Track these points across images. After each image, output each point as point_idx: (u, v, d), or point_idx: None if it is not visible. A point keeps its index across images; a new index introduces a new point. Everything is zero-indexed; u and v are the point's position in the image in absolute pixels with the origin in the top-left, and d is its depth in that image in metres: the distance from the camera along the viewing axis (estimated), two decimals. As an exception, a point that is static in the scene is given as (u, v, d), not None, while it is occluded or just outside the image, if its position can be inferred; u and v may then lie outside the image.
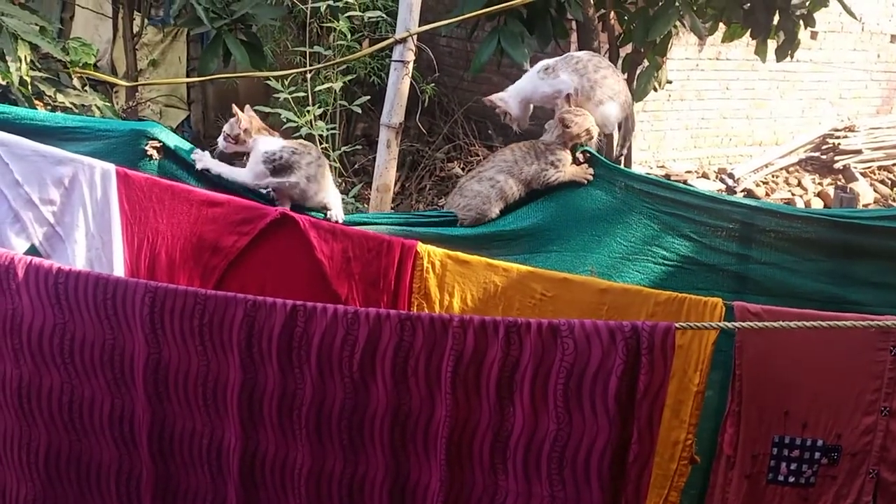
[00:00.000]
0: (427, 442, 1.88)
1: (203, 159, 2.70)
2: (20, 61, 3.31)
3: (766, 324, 1.78)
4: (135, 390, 1.95)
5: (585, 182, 2.76)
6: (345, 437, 1.89)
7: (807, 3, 5.42)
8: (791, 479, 2.40)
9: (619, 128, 3.10)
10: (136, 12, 6.73)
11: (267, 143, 2.68)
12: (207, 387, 1.93)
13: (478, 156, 7.89)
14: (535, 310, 2.53)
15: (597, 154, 2.84)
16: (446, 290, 2.59)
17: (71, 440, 2.03)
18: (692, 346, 2.39)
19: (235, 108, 2.73)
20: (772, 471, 2.40)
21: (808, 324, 1.73)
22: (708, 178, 8.83)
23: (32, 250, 2.56)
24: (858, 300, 2.63)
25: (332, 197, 2.74)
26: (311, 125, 3.62)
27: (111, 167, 2.55)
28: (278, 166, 2.64)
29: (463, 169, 7.71)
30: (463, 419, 1.83)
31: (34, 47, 3.51)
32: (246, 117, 2.70)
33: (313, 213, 2.68)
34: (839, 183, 8.83)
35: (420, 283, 2.58)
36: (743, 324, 1.84)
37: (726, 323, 1.82)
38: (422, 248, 2.58)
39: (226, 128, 2.72)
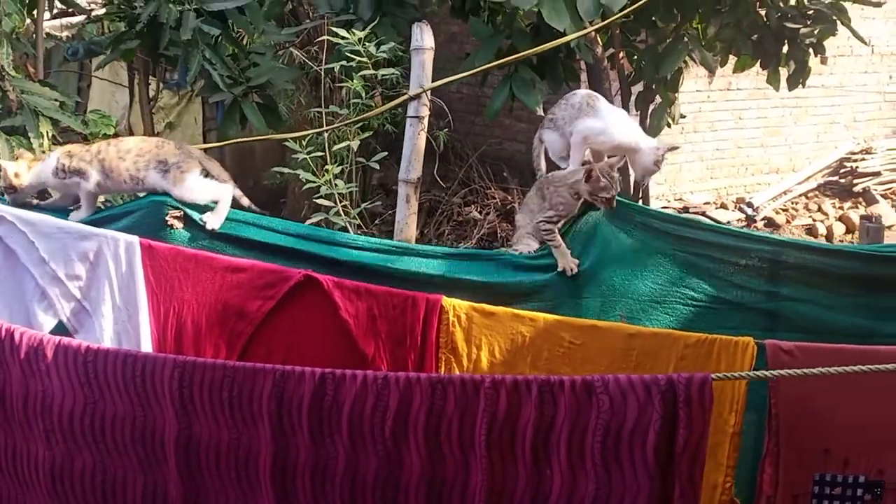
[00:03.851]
0: (464, 509, 1.83)
1: (210, 220, 2.69)
2: (42, 137, 3.38)
3: (804, 371, 1.74)
4: (167, 467, 1.93)
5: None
6: (380, 506, 1.86)
7: (815, 32, 5.44)
8: (834, 518, 2.33)
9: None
10: (151, 77, 6.85)
11: (46, 166, 2.72)
12: (239, 460, 1.91)
13: (494, 199, 7.90)
14: (564, 358, 2.52)
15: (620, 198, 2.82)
16: (474, 344, 2.57)
17: (105, 520, 2.01)
18: (726, 388, 2.36)
19: None
20: (814, 510, 2.34)
21: (847, 369, 1.69)
22: (727, 209, 8.79)
23: (60, 326, 2.58)
24: (894, 332, 2.59)
25: (154, 179, 2.69)
26: (331, 184, 3.66)
27: (135, 239, 2.57)
28: (71, 171, 2.69)
29: (480, 212, 7.73)
30: (499, 483, 1.80)
31: (55, 122, 3.58)
32: (8, 164, 2.73)
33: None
34: (861, 206, 8.75)
35: (447, 338, 2.57)
36: (780, 372, 1.80)
37: (763, 372, 1.78)
38: (447, 302, 2.57)
39: (2, 184, 2.74)
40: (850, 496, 2.32)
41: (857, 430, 2.29)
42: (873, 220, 5.26)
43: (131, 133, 8.06)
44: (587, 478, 1.72)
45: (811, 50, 5.49)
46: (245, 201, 2.89)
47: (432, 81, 3.16)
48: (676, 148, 3.00)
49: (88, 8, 6.27)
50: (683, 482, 1.65)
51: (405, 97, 3.06)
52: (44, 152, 3.27)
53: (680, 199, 8.78)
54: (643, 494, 1.68)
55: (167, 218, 2.67)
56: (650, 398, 1.66)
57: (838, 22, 5.41)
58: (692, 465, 1.64)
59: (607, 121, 2.89)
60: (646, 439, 1.66)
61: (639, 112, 5.75)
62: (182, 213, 2.70)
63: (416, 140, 3.05)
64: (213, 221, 2.69)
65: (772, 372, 1.79)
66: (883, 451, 2.30)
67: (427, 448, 1.82)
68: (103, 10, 5.36)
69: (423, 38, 3.10)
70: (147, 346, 2.54)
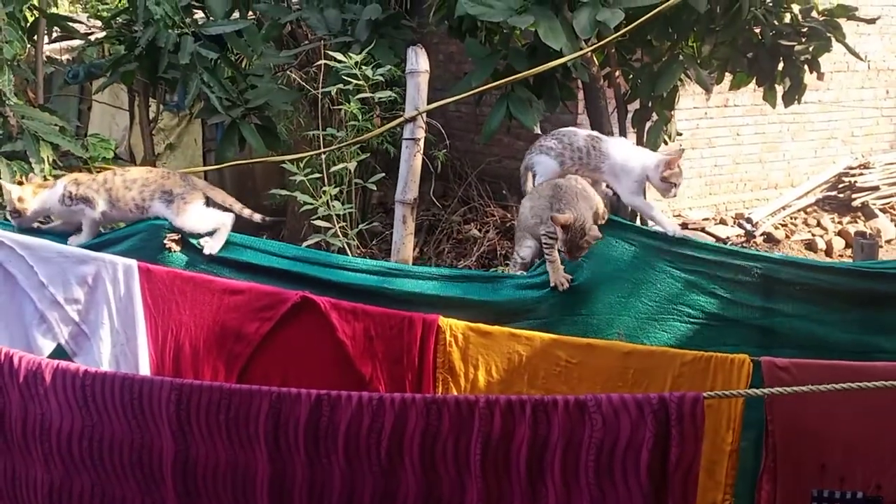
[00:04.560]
0: (460, 527, 1.84)
1: (209, 245, 2.72)
2: (43, 162, 3.42)
3: (796, 389, 1.75)
4: (165, 489, 1.95)
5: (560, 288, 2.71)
6: (376, 526, 1.87)
7: (810, 49, 5.47)
8: (832, 534, 2.33)
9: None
10: (151, 99, 6.91)
11: (52, 193, 2.77)
12: (237, 482, 1.93)
13: (493, 216, 7.91)
14: (560, 377, 2.52)
15: (613, 216, 2.84)
16: (470, 363, 2.58)
17: (103, 543, 2.02)
18: (722, 406, 2.36)
19: (3, 184, 2.80)
20: (812, 527, 2.34)
21: (841, 386, 1.70)
22: (726, 224, 8.81)
23: (59, 349, 2.60)
24: (889, 348, 2.60)
25: (160, 208, 2.74)
26: (329, 206, 3.69)
27: (133, 263, 2.60)
28: (78, 199, 2.74)
29: (479, 230, 7.74)
30: (495, 502, 1.81)
31: (55, 146, 3.61)
32: (13, 188, 2.77)
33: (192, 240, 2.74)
34: (860, 221, 8.77)
35: (444, 358, 2.57)
36: (771, 390, 1.81)
37: (755, 390, 1.79)
38: (443, 322, 2.57)
39: (8, 207, 2.79)
40: (848, 512, 2.32)
41: (853, 446, 2.30)
42: (867, 235, 5.27)
43: (131, 154, 8.12)
44: (581, 496, 1.73)
45: (806, 67, 5.52)
46: (257, 217, 2.95)
47: (430, 102, 3.20)
48: (678, 154, 2.92)
49: (88, 32, 6.33)
50: (677, 500, 1.67)
51: (401, 119, 3.09)
52: (46, 178, 3.31)
53: (679, 216, 8.80)
54: (637, 513, 1.69)
55: (165, 241, 2.71)
56: (643, 417, 1.68)
57: (833, 38, 5.43)
58: (685, 482, 1.66)
59: (620, 157, 2.93)
60: (639, 457, 1.67)
61: (636, 130, 5.78)
62: (180, 236, 2.73)
63: (412, 161, 3.08)
64: (211, 246, 2.72)
65: (763, 390, 1.80)
66: (880, 466, 2.30)
67: (423, 468, 1.83)
68: (103, 34, 5.41)
69: (418, 61, 3.14)
70: (145, 368, 2.55)
